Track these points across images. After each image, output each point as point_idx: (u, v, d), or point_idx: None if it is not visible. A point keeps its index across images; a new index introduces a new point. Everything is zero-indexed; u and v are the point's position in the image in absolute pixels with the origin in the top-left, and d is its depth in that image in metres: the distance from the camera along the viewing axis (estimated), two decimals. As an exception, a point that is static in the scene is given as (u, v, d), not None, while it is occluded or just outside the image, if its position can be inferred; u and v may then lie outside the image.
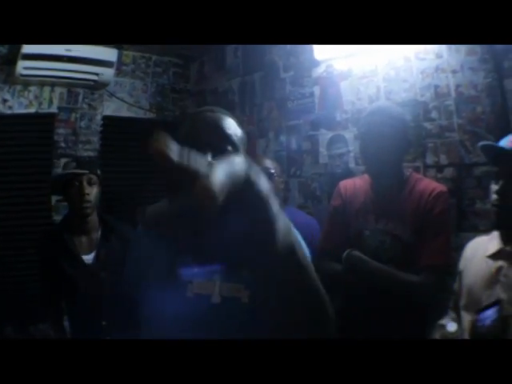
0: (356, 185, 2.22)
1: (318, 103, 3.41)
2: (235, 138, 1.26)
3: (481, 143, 1.77)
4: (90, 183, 2.46)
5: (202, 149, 1.16)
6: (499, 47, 2.43)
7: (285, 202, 3.02)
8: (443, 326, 1.78)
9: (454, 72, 2.66)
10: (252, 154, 3.54)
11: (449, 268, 1.92)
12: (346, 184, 2.26)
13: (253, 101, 3.93)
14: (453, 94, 2.66)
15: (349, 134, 3.19)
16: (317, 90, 3.43)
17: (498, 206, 1.67)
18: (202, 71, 4.39)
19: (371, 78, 3.09)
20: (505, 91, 2.42)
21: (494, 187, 1.69)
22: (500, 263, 1.65)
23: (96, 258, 2.46)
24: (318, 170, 3.39)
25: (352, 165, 3.16)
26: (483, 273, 1.68)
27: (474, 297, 1.68)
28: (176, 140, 1.18)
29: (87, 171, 2.46)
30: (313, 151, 3.44)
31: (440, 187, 2.05)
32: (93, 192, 2.47)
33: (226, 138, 1.24)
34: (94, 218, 2.52)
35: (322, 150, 3.36)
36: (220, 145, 1.22)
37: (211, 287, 1.19)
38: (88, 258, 2.45)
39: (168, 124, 4.10)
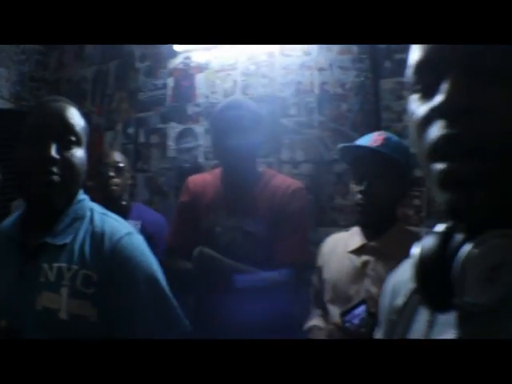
0: (205, 180, 2.03)
1: (171, 95, 3.07)
2: (78, 129, 1.20)
3: (341, 145, 1.68)
4: None
5: (46, 138, 1.13)
6: (381, 48, 2.36)
7: (132, 197, 2.77)
8: (316, 327, 1.72)
9: (320, 70, 2.53)
10: (99, 146, 3.21)
11: (307, 264, 1.83)
12: (194, 179, 2.06)
13: (105, 91, 3.47)
14: (316, 91, 2.52)
15: (199, 128, 2.90)
16: (171, 81, 3.08)
17: (364, 206, 1.62)
18: (62, 59, 3.85)
19: (229, 71, 2.83)
20: (380, 90, 2.35)
21: (356, 187, 1.64)
22: (365, 258, 1.63)
23: None
24: (166, 164, 3.06)
25: (201, 159, 2.88)
26: (347, 268, 1.65)
27: (340, 291, 1.64)
28: (23, 131, 1.19)
29: None
30: (161, 145, 3.09)
31: (296, 183, 1.95)
32: None
33: (70, 129, 1.18)
34: None
35: (171, 143, 3.02)
36: (64, 135, 1.17)
37: (58, 301, 1.09)
38: None
39: (25, 115, 3.43)
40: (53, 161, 1.12)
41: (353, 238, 1.70)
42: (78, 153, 1.18)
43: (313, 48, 2.55)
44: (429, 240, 0.61)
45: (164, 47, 3.10)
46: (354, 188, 1.64)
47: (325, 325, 1.69)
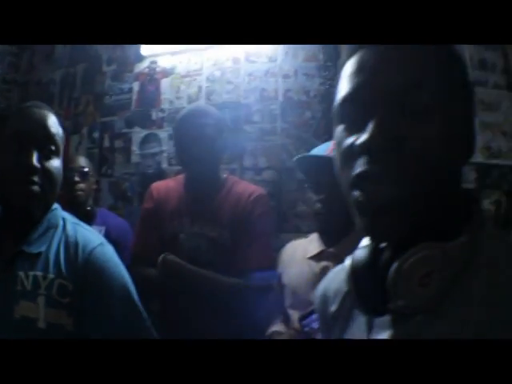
0: (169, 186, 2.00)
1: (136, 100, 3.01)
2: (58, 138, 1.19)
3: (298, 156, 1.69)
4: None
5: (28, 146, 1.11)
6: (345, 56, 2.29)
7: (96, 202, 2.71)
8: (276, 332, 1.71)
9: (285, 77, 2.52)
10: (66, 151, 2.97)
11: (271, 269, 1.81)
12: (158, 186, 2.02)
13: (72, 94, 3.37)
14: (280, 98, 2.51)
15: (163, 134, 2.85)
16: (136, 85, 3.02)
17: (324, 214, 1.63)
18: (32, 61, 3.73)
19: (194, 77, 2.79)
20: None
21: (315, 196, 1.64)
22: (324, 263, 1.63)
23: None
24: (130, 169, 2.99)
25: (165, 165, 2.83)
26: (307, 274, 1.66)
27: (301, 297, 1.65)
28: (2, 136, 1.13)
29: None
30: (125, 149, 3.01)
31: (258, 190, 1.94)
32: None
33: (51, 138, 1.16)
34: None
35: (135, 148, 2.96)
36: (45, 144, 1.15)
37: (36, 311, 1.08)
38: None
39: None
40: (34, 170, 1.10)
41: (311, 244, 1.71)
42: (57, 163, 1.16)
43: (278, 54, 2.53)
44: (361, 252, 0.67)
45: (131, 51, 3.03)
46: (313, 197, 1.64)
47: (285, 330, 1.68)
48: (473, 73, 2.18)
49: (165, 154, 2.81)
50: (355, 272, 0.65)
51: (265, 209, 1.90)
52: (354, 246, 1.60)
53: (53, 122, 1.18)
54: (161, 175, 2.69)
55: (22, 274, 1.10)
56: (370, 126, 0.57)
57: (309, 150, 1.72)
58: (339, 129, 0.65)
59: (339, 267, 0.84)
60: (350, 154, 0.60)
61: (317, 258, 1.66)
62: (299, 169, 1.75)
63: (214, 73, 2.69)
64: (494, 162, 2.20)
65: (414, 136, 0.56)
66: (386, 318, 0.64)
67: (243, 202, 1.86)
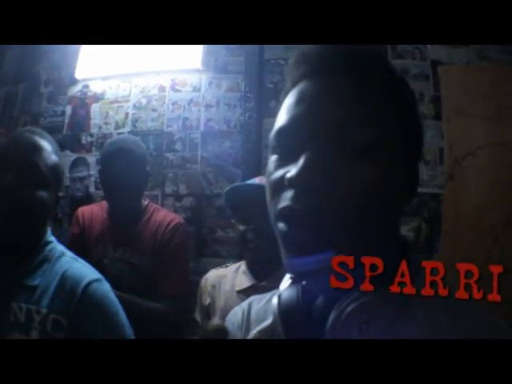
0: (93, 212, 1.95)
1: (67, 123, 2.85)
2: (44, 169, 1.10)
3: (229, 187, 1.61)
4: None
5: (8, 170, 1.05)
6: (269, 88, 2.34)
7: None
8: None
9: (208, 106, 2.46)
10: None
11: (189, 295, 1.80)
12: (83, 211, 1.98)
13: (13, 113, 3.16)
14: (202, 127, 2.44)
15: (91, 158, 2.73)
16: (68, 109, 2.87)
17: (255, 242, 1.52)
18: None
19: (122, 103, 2.68)
20: (262, 129, 2.30)
21: (244, 227, 1.54)
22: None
23: None
24: (60, 192, 2.67)
25: (92, 189, 2.72)
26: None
27: None
28: None
29: None
30: None
31: (177, 219, 1.92)
32: None
33: (35, 167, 1.08)
34: None
35: (65, 171, 2.65)
36: (28, 172, 1.07)
37: None
38: None
39: None
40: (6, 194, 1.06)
41: (239, 277, 1.63)
42: (42, 193, 1.09)
43: (202, 84, 2.48)
44: (288, 294, 0.61)
45: (66, 73, 2.88)
46: (241, 228, 1.56)
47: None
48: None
49: (92, 178, 2.70)
50: (285, 315, 0.58)
51: (182, 237, 1.87)
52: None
53: (45, 151, 1.12)
54: (88, 199, 2.61)
55: (15, 304, 1.03)
56: (301, 160, 0.51)
57: (227, 178, 1.70)
58: (272, 159, 0.58)
59: (261, 296, 0.80)
60: (279, 186, 0.55)
61: (247, 292, 1.55)
62: (227, 201, 1.65)
63: (140, 100, 2.60)
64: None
65: (350, 175, 0.50)
66: None
67: (162, 230, 1.83)
